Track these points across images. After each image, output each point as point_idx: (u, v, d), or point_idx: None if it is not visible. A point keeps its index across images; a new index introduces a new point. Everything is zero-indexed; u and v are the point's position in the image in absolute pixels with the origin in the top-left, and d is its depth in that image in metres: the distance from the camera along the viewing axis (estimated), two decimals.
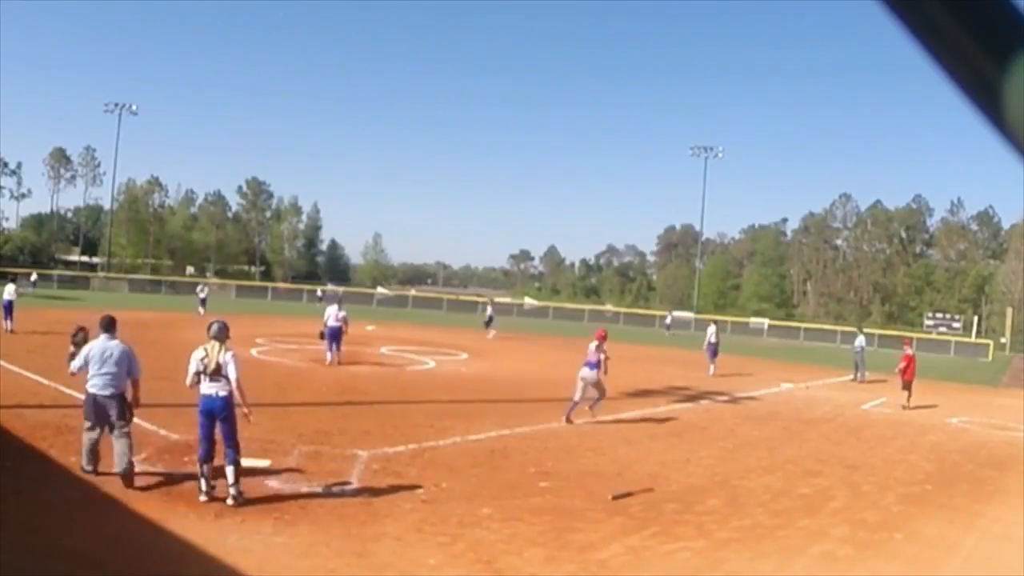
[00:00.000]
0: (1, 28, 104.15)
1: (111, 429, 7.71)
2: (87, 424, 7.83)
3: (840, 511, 8.39)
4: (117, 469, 7.46)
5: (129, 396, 7.94)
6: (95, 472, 7.71)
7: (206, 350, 7.32)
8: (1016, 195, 72.17)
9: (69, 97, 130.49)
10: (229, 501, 7.04)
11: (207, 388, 7.24)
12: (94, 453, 7.79)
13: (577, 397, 12.59)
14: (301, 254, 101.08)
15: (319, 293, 59.47)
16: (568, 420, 12.35)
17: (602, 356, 12.73)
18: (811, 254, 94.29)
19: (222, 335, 7.45)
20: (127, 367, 7.90)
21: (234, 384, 7.28)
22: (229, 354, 7.37)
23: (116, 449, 7.54)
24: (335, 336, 18.49)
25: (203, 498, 7.09)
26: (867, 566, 6.71)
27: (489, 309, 36.35)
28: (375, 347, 23.54)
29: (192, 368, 7.31)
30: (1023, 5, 0.57)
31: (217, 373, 7.24)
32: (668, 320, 50.91)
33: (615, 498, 8.01)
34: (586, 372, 12.68)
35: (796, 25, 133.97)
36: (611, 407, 14.80)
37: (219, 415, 7.23)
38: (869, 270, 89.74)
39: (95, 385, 7.74)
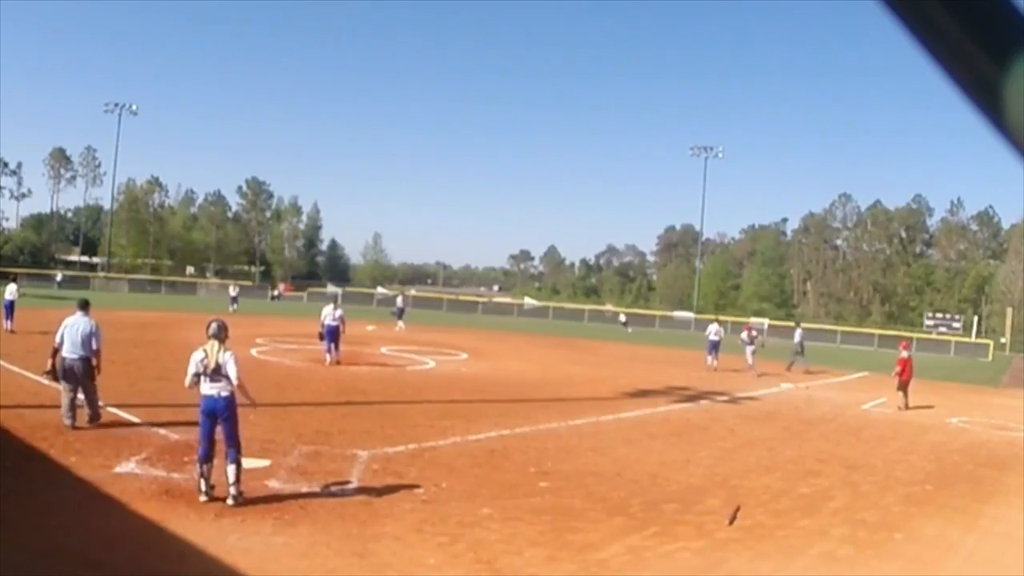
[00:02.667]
0: (1, 28, 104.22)
1: (84, 391, 9.86)
2: (65, 386, 9.78)
3: (840, 511, 8.39)
4: (88, 420, 9.79)
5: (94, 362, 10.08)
6: (73, 426, 9.57)
7: (205, 351, 7.32)
8: (1016, 195, 72.25)
9: (69, 97, 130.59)
10: (229, 501, 7.05)
11: (208, 388, 7.26)
12: (72, 409, 9.71)
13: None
14: (301, 254, 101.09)
15: (276, 291, 60.18)
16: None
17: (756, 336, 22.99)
18: (811, 254, 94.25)
19: (221, 334, 7.44)
20: (91, 339, 10.03)
21: (235, 383, 7.29)
22: (228, 353, 7.36)
23: (84, 402, 9.89)
24: (333, 335, 18.59)
25: (203, 498, 7.10)
26: (867, 566, 6.70)
27: (399, 300, 35.43)
28: (375, 347, 23.55)
29: (191, 369, 7.32)
30: (1023, 5, 0.57)
31: (217, 373, 7.24)
32: (623, 318, 47.97)
33: (731, 522, 7.59)
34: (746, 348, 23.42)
35: (796, 25, 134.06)
36: (611, 407, 14.82)
37: (221, 415, 7.24)
38: (869, 270, 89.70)
39: (67, 350, 9.89)
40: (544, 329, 42.20)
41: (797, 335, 26.13)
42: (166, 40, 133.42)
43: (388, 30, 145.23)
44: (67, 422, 9.60)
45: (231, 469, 7.12)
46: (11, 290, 22.43)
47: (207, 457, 7.15)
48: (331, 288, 68.92)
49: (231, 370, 7.26)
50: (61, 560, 5.59)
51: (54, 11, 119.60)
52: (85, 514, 6.61)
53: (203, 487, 7.14)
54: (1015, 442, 14.14)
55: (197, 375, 7.28)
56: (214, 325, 7.53)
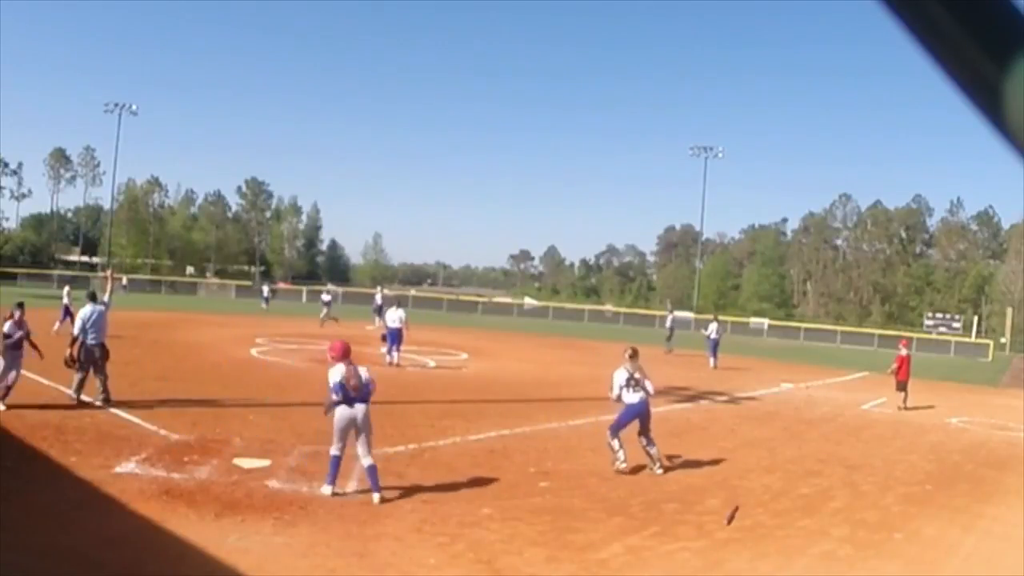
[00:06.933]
0: (1, 28, 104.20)
1: (96, 370, 11.18)
2: (84, 367, 11.11)
3: (840, 511, 8.39)
4: (98, 400, 11.10)
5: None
6: (79, 401, 10.96)
7: (628, 370, 9.57)
8: (1016, 195, 72.22)
9: (69, 97, 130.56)
10: (658, 470, 9.45)
11: (631, 397, 9.52)
12: (82, 386, 11.13)
13: None
14: (301, 254, 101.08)
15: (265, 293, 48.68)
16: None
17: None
18: (811, 254, 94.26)
19: (636, 356, 9.76)
20: (105, 323, 11.63)
21: (651, 392, 9.69)
22: (642, 373, 9.67)
23: (98, 385, 11.23)
24: (396, 338, 19.13)
25: (621, 465, 9.37)
26: (867, 566, 6.71)
27: (378, 297, 34.16)
28: (375, 347, 23.52)
29: (617, 382, 9.60)
30: (1023, 5, 0.57)
31: (638, 385, 9.55)
32: (379, 297, 38.67)
33: (729, 522, 7.64)
34: None
35: (796, 25, 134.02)
36: (611, 407, 14.78)
37: (642, 414, 9.52)
38: (869, 270, 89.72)
39: (91, 338, 11.21)
40: (544, 329, 42.21)
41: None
42: (166, 40, 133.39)
43: (388, 30, 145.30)
44: (73, 395, 11.04)
45: (653, 450, 9.58)
46: (65, 292, 23.40)
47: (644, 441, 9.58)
48: (331, 288, 68.87)
49: (648, 385, 9.64)
50: (61, 560, 5.59)
51: (54, 11, 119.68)
52: (85, 514, 6.61)
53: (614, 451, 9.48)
54: (1015, 442, 14.13)
55: (621, 387, 9.55)
56: (631, 350, 9.81)
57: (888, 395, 18.46)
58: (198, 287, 65.25)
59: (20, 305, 11.60)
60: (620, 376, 9.62)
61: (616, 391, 9.61)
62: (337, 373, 7.65)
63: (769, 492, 9.02)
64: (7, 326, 11.03)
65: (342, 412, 7.61)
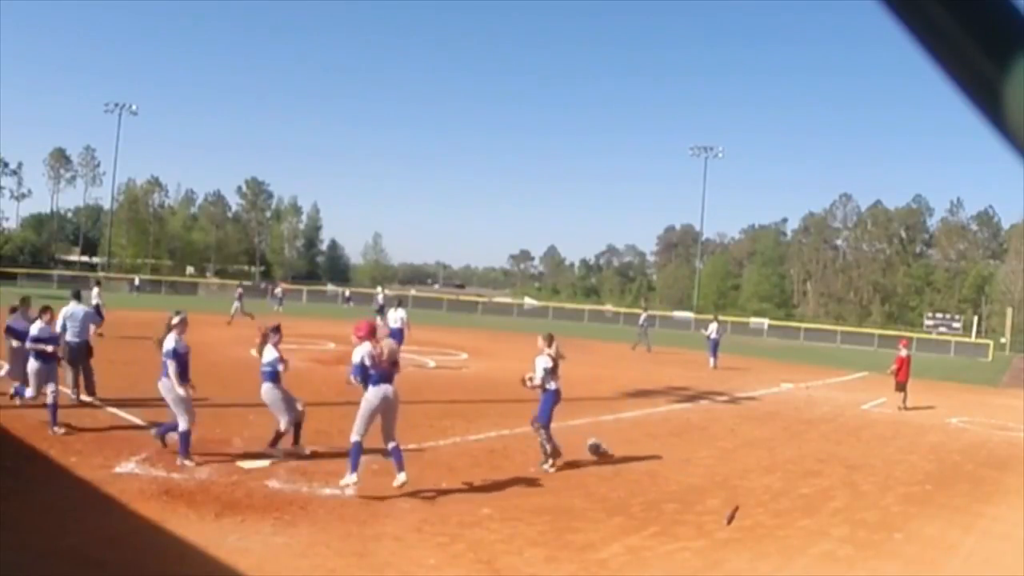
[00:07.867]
0: (1, 28, 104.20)
1: (85, 372, 11.45)
2: (69, 366, 11.24)
3: (840, 511, 8.39)
4: (84, 395, 11.34)
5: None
6: (78, 399, 11.13)
7: (551, 357, 9.38)
8: (1016, 195, 72.28)
9: (69, 97, 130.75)
10: (548, 467, 9.20)
11: (552, 384, 9.34)
12: (77, 384, 11.33)
13: None
14: (301, 254, 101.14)
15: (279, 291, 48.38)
16: None
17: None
18: (811, 254, 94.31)
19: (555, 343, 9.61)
20: (88, 323, 11.99)
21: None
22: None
23: (82, 380, 11.46)
24: (397, 338, 19.02)
25: (548, 467, 9.21)
26: (867, 566, 6.70)
27: (380, 297, 35.52)
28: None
29: (545, 367, 9.35)
30: (1023, 5, 0.57)
31: (555, 372, 9.38)
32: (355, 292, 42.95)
33: (729, 522, 7.63)
34: None
35: (796, 25, 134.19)
36: (611, 407, 14.81)
37: (557, 403, 9.39)
38: (869, 270, 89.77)
39: (70, 334, 11.39)
40: (544, 329, 42.15)
41: (642, 318, 28.97)
42: (166, 40, 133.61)
43: (388, 30, 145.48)
44: (72, 396, 11.08)
45: (550, 446, 9.30)
46: (95, 293, 22.98)
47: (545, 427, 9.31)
48: (331, 287, 68.89)
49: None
50: (61, 560, 5.59)
51: (54, 11, 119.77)
52: (85, 514, 6.61)
53: (547, 452, 9.24)
54: (1015, 442, 14.13)
55: (547, 372, 9.34)
56: (549, 336, 9.73)
57: (888, 395, 18.44)
58: (198, 287, 65.24)
59: None
60: (544, 361, 9.40)
61: (540, 377, 9.35)
62: (361, 352, 7.55)
63: (769, 492, 9.02)
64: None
65: (376, 392, 7.54)
